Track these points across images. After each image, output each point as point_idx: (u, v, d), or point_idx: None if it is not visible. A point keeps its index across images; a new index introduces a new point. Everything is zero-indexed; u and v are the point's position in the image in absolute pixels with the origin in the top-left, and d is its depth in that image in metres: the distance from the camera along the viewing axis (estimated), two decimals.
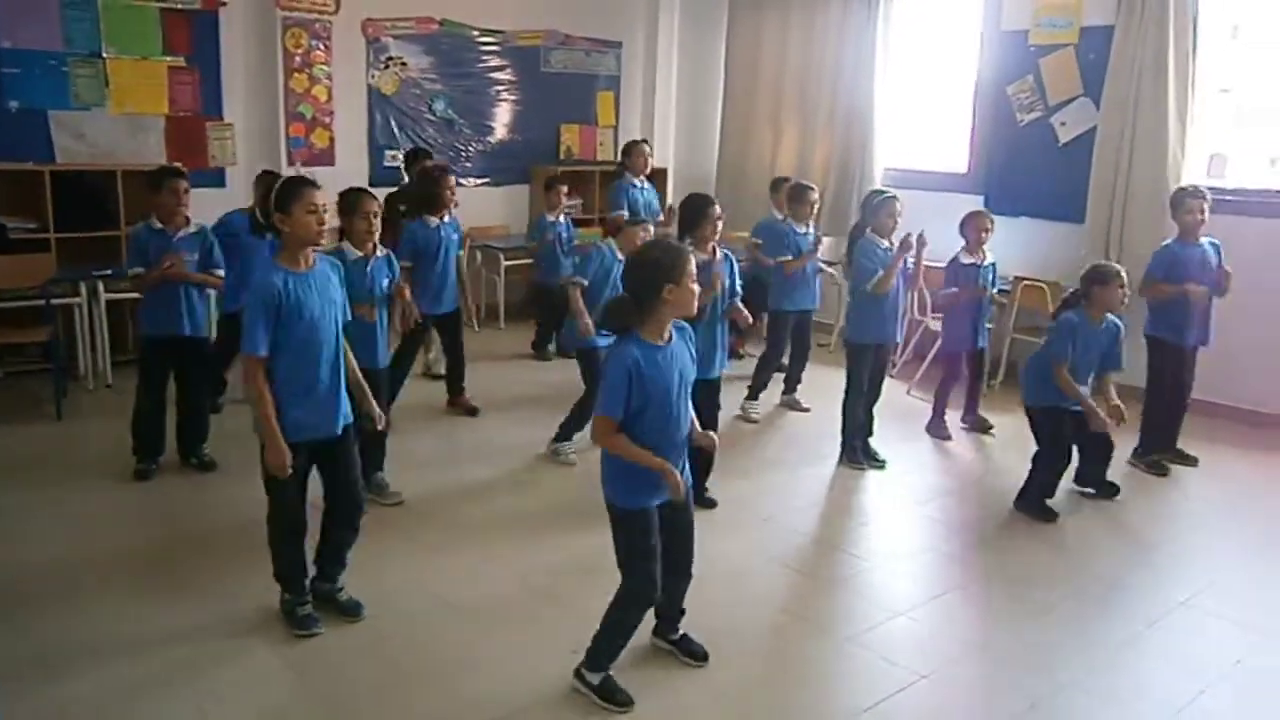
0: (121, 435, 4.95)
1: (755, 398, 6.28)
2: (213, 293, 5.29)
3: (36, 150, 6.62)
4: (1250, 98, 6.90)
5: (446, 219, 5.69)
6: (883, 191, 5.39)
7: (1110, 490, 5.09)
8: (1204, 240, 5.36)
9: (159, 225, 4.84)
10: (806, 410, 6.36)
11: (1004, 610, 3.96)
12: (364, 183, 7.83)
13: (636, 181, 7.41)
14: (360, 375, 3.62)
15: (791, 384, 6.51)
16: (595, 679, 3.16)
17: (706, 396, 4.35)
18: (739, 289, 4.74)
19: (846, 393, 5.37)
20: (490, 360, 7.18)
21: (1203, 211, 5.27)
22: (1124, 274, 4.76)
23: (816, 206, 6.40)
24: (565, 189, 7.51)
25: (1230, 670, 3.54)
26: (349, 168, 7.88)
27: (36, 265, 6.11)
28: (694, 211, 4.47)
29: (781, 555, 4.35)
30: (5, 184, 6.39)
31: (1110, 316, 4.78)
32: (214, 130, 7.37)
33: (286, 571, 3.55)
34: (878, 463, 5.45)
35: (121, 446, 4.94)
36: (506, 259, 8.19)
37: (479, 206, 8.53)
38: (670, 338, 3.02)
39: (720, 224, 4.48)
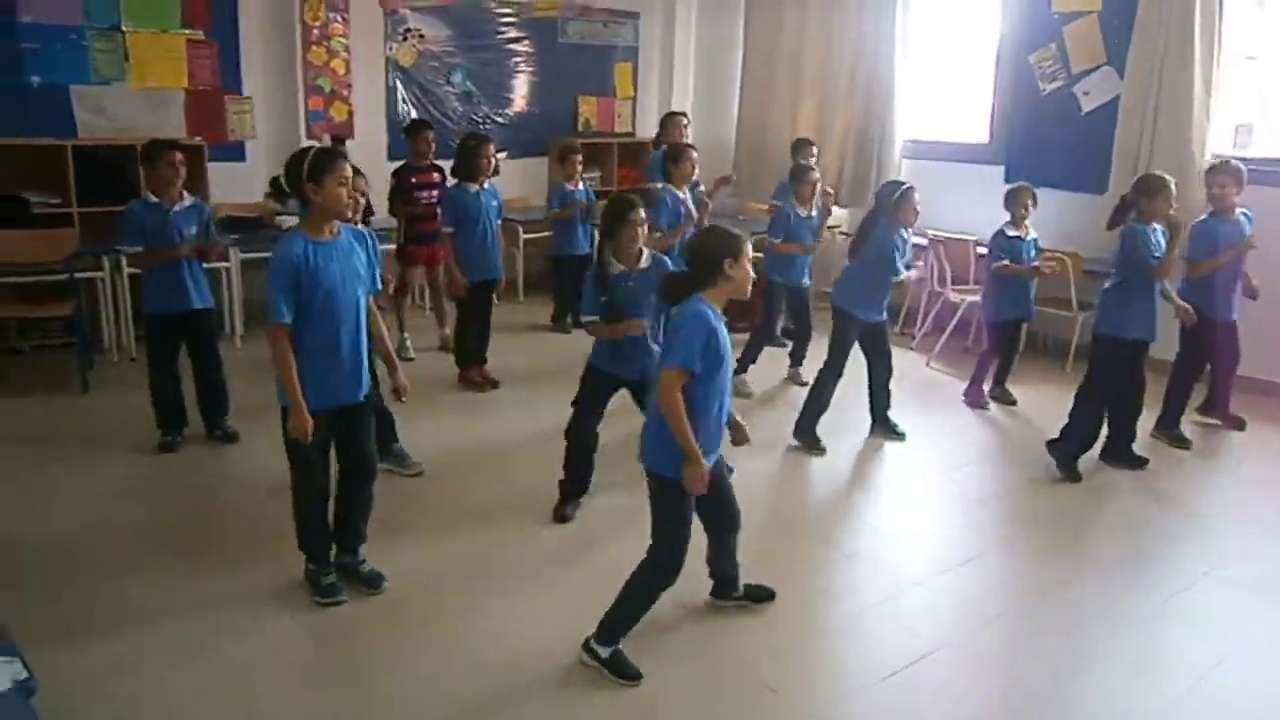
0: (146, 408, 5.00)
1: (744, 370, 6.17)
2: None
3: (58, 125, 6.65)
4: (1277, 66, 6.78)
5: (486, 185, 5.82)
6: (900, 183, 5.25)
7: (1139, 462, 5.07)
8: (1239, 212, 5.33)
9: (155, 199, 4.83)
10: (806, 384, 6.27)
11: (1025, 580, 3.97)
12: (383, 155, 7.97)
13: None
14: (389, 346, 3.65)
15: (797, 359, 6.46)
16: (605, 652, 3.18)
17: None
18: None
19: (824, 367, 5.26)
20: (511, 331, 7.20)
21: (1226, 185, 5.23)
22: (1172, 184, 4.78)
23: (819, 186, 6.18)
24: (580, 157, 7.45)
25: (1250, 640, 3.55)
26: (368, 140, 7.90)
27: (60, 239, 6.15)
28: (614, 218, 4.01)
29: (800, 526, 4.36)
30: (28, 159, 6.43)
31: (1157, 225, 4.83)
32: (233, 104, 7.38)
33: (310, 541, 3.59)
34: (898, 434, 5.44)
35: (146, 419, 4.99)
36: (525, 231, 8.18)
37: (497, 178, 8.51)
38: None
39: (641, 232, 4.03)
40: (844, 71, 8.30)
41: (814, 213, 6.17)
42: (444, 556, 3.96)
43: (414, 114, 8.13)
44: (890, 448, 5.37)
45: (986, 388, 6.08)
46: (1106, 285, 5.00)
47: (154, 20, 6.98)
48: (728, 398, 3.14)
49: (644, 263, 4.02)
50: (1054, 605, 3.76)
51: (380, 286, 3.54)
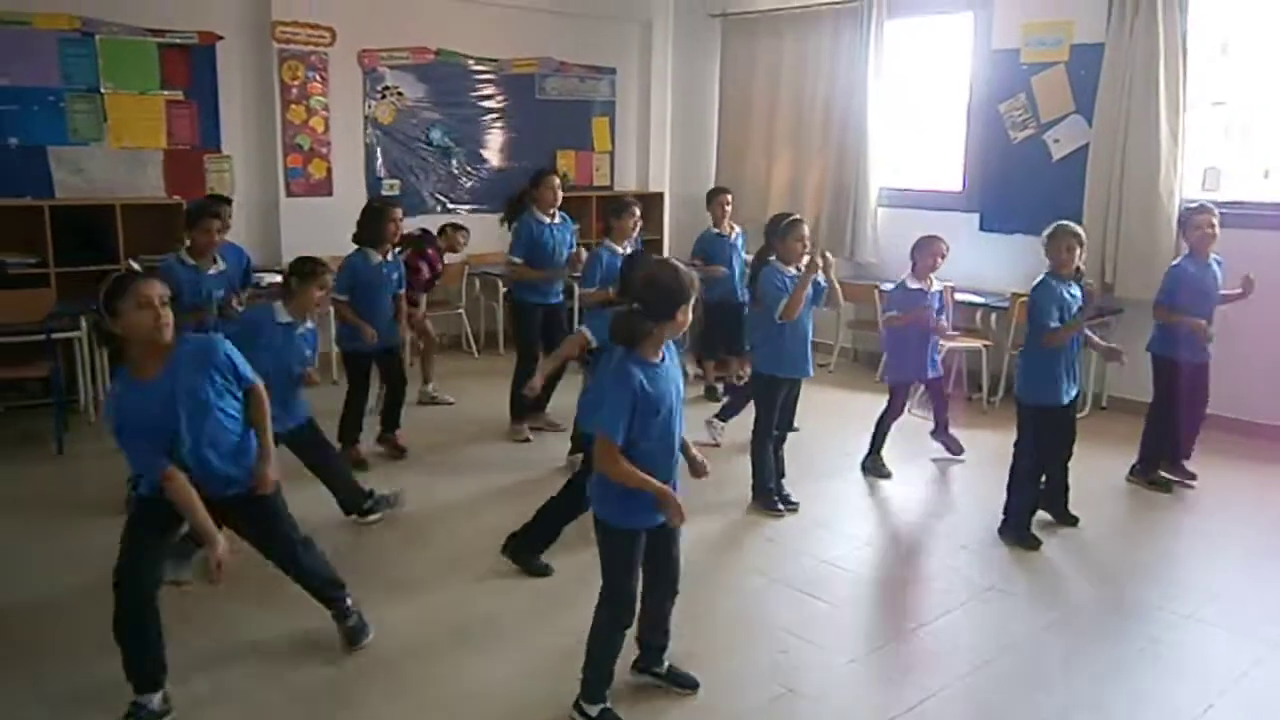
0: (121, 469, 4.91)
1: (724, 419, 6.07)
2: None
3: (36, 186, 6.66)
4: (1243, 111, 6.93)
5: (389, 257, 5.68)
6: (788, 215, 5.09)
7: (1070, 520, 4.93)
8: (1212, 258, 5.35)
9: (190, 261, 4.94)
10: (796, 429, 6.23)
11: (1009, 628, 3.95)
12: None
13: (544, 216, 6.13)
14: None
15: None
16: (594, 710, 3.13)
17: None
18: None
19: (755, 432, 5.05)
20: (494, 379, 7.17)
21: (1211, 226, 5.25)
22: (1075, 232, 4.61)
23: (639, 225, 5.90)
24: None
25: (1237, 683, 3.53)
26: (347, 197, 7.92)
27: (37, 300, 6.13)
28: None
29: (784, 576, 4.33)
30: (5, 220, 6.42)
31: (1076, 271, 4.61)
32: (212, 162, 7.42)
33: (154, 668, 3.20)
34: (791, 505, 5.07)
35: (120, 480, 4.90)
36: (504, 285, 8.19)
37: (476, 233, 8.52)
38: (663, 356, 3.00)
39: None
40: (818, 121, 8.42)
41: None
42: (419, 614, 3.91)
43: (390, 171, 8.22)
44: (873, 495, 5.37)
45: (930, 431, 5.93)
46: (1021, 350, 4.89)
47: (133, 82, 7.03)
48: (679, 427, 3.05)
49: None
50: (1038, 654, 3.74)
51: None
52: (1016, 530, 4.71)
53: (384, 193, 8.20)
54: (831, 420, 6.49)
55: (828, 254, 4.88)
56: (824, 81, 8.36)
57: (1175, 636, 3.87)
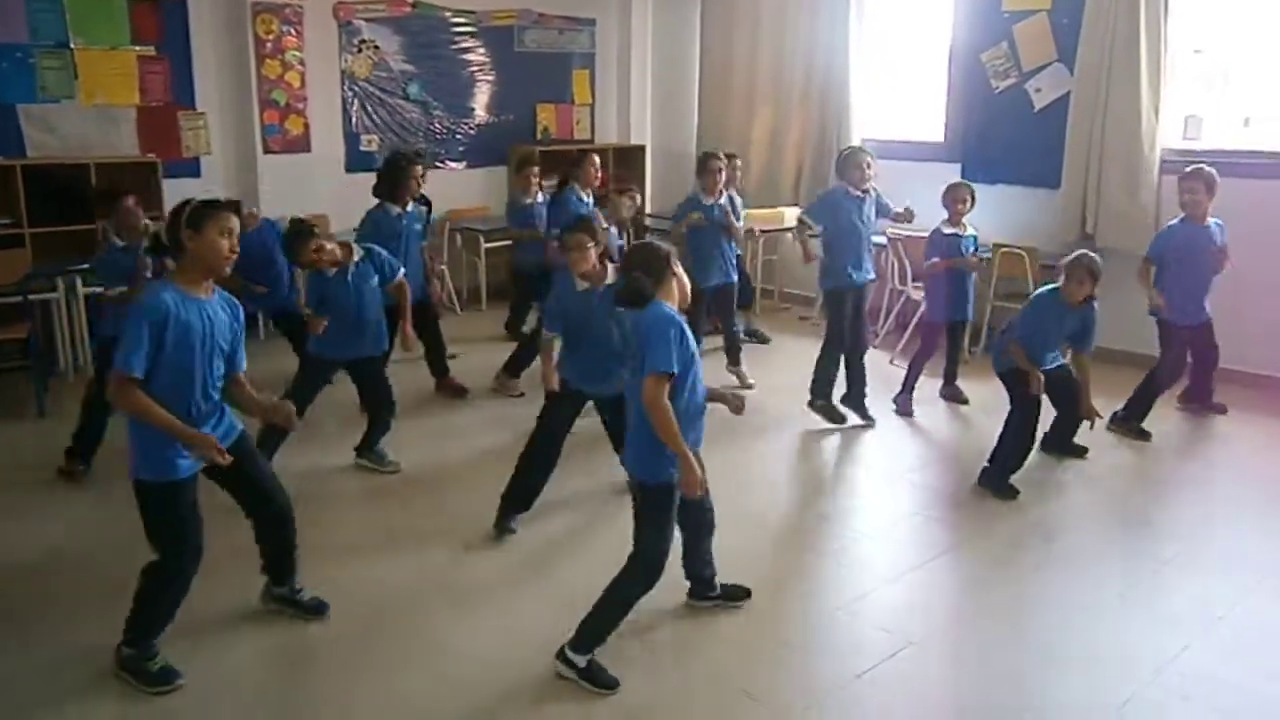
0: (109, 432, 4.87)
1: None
2: None
3: (7, 145, 6.55)
4: (1223, 58, 6.92)
5: (409, 208, 5.76)
6: (850, 146, 5.47)
7: (1078, 450, 5.15)
8: (1211, 221, 5.40)
9: (120, 243, 4.77)
10: (750, 387, 6.25)
11: (990, 576, 4.01)
12: (340, 168, 7.93)
13: (583, 194, 6.63)
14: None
15: (733, 356, 6.42)
16: (581, 661, 3.18)
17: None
18: None
19: (824, 342, 5.51)
20: (474, 342, 7.15)
21: (1197, 192, 5.29)
22: (1095, 269, 4.62)
23: (724, 176, 6.19)
24: (537, 169, 7.39)
25: (1212, 625, 3.60)
26: (325, 153, 7.85)
27: (12, 261, 6.06)
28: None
29: (766, 527, 4.38)
30: None
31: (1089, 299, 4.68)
32: (186, 120, 7.30)
33: (148, 628, 3.25)
34: (868, 420, 5.60)
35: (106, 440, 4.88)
36: (486, 241, 8.15)
37: (457, 188, 8.51)
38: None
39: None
40: (799, 74, 8.35)
41: (716, 202, 6.18)
42: (396, 576, 3.92)
43: (369, 126, 8.13)
44: (851, 446, 5.42)
45: (931, 389, 6.06)
46: (1003, 328, 5.03)
47: (103, 36, 6.89)
48: (701, 386, 3.17)
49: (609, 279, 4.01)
50: (1018, 600, 3.81)
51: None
52: (998, 479, 4.76)
53: (361, 149, 8.12)
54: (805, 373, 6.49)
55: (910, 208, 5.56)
56: (805, 33, 8.27)
57: (1155, 581, 3.94)
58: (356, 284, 4.63)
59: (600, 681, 3.16)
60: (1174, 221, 5.52)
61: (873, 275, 5.63)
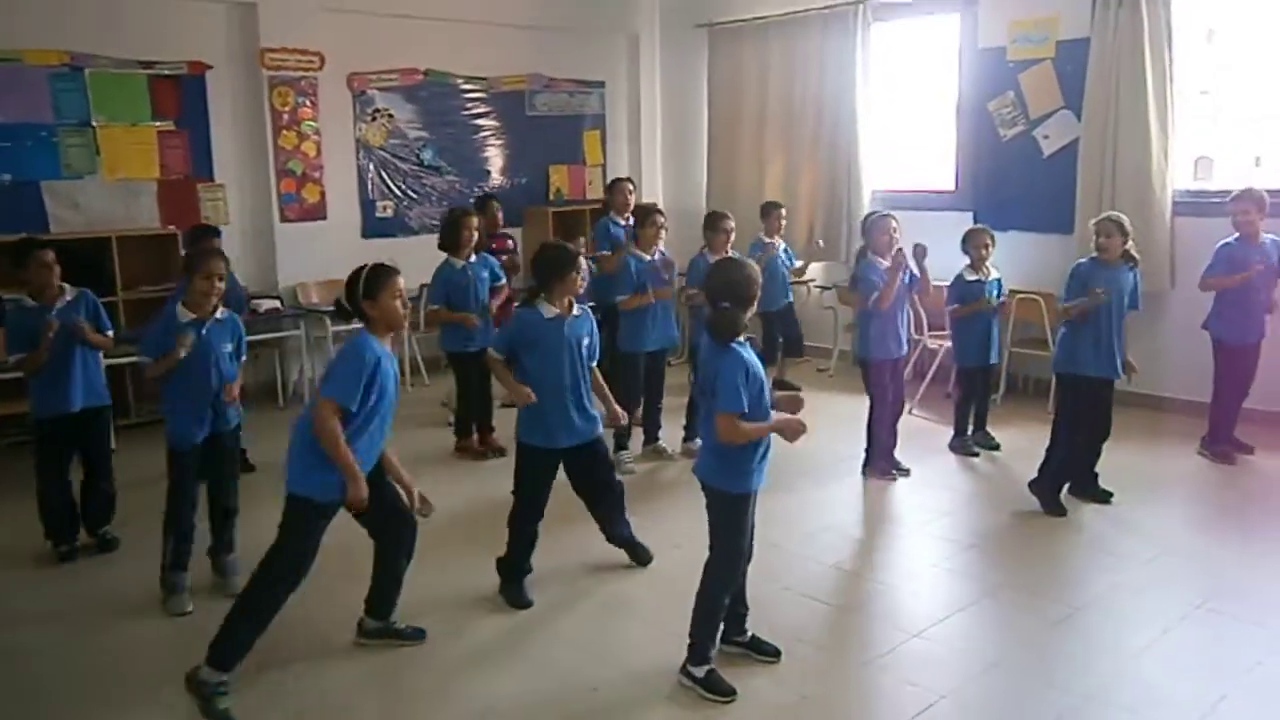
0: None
1: (626, 447, 5.87)
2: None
3: (31, 221, 6.63)
4: (1230, 99, 6.96)
5: (472, 259, 5.95)
6: (874, 211, 5.45)
7: (1103, 496, 5.10)
8: (1266, 238, 5.55)
9: (31, 303, 4.51)
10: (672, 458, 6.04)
11: (1019, 624, 3.94)
12: (357, 233, 8.03)
13: (620, 220, 7.04)
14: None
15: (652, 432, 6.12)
16: (700, 672, 3.37)
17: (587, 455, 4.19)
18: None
19: (871, 409, 5.54)
20: None
21: (1249, 211, 5.46)
22: (1121, 222, 4.91)
23: (664, 231, 5.89)
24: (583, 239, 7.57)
25: (1250, 673, 3.52)
26: (341, 220, 7.96)
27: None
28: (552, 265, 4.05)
29: (792, 582, 4.32)
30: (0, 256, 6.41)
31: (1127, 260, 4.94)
32: (206, 191, 7.43)
33: (236, 651, 3.39)
34: (903, 471, 5.62)
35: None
36: None
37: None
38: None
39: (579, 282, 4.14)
40: (809, 127, 8.44)
41: (653, 258, 5.95)
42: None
43: (384, 192, 8.27)
44: (874, 497, 5.37)
45: (949, 439, 6.12)
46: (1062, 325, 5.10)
47: (125, 114, 7.05)
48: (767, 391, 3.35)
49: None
50: (1050, 648, 3.73)
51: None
52: (1048, 493, 4.94)
53: (377, 215, 8.23)
54: (826, 425, 6.47)
55: (921, 245, 5.41)
56: (812, 87, 8.38)
57: (1187, 628, 3.86)
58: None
59: (719, 690, 3.35)
60: (1229, 240, 5.58)
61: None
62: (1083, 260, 5.02)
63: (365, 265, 3.46)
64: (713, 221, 6.19)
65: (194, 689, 3.32)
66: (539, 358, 4.01)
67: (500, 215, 7.43)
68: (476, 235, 5.97)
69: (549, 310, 4.00)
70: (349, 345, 3.40)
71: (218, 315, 4.15)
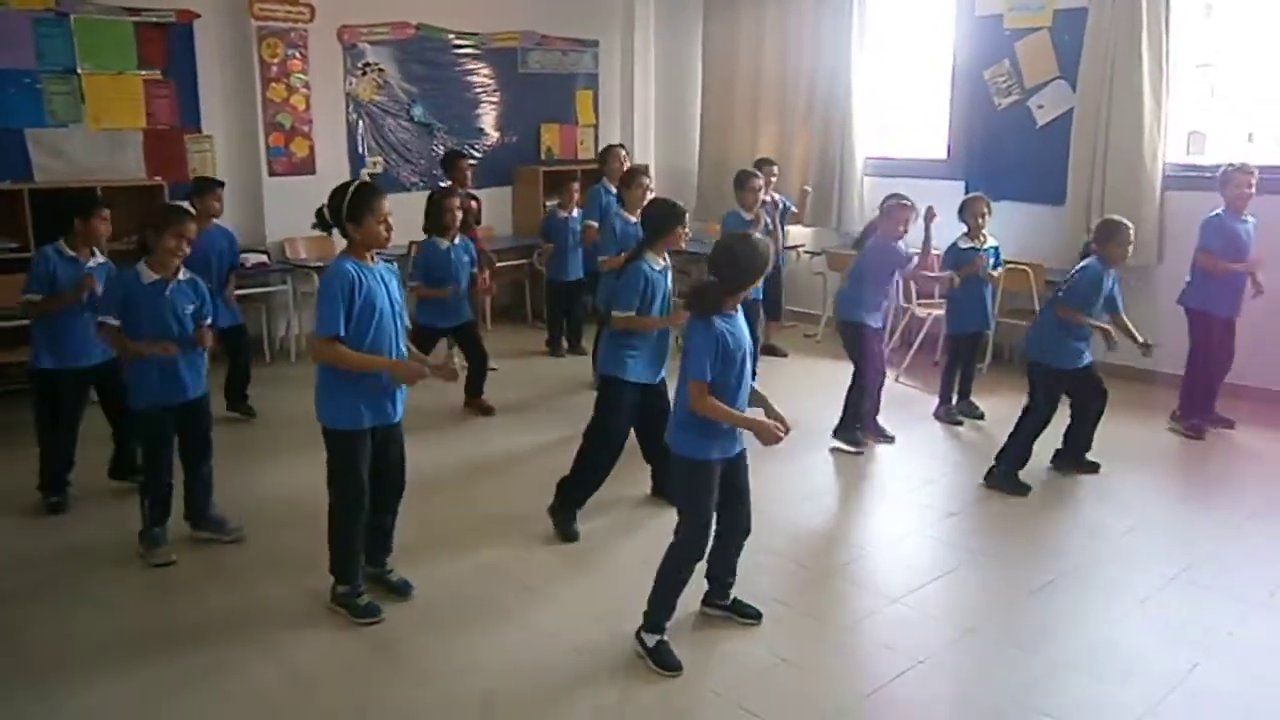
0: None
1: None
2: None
3: (14, 169, 6.58)
4: (1227, 74, 6.94)
5: (456, 240, 5.99)
6: (892, 195, 5.45)
7: (1091, 467, 5.16)
8: (1247, 215, 5.56)
9: (70, 253, 4.57)
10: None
11: (997, 592, 3.98)
12: None
13: (612, 187, 7.02)
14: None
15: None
16: (651, 641, 3.39)
17: (656, 397, 4.40)
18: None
19: (857, 376, 5.52)
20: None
21: (1249, 186, 5.47)
22: (1130, 230, 4.89)
23: (649, 193, 5.66)
24: (577, 185, 7.66)
25: (1223, 642, 3.58)
26: (330, 175, 7.83)
27: (18, 284, 6.05)
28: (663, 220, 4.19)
29: (774, 546, 4.34)
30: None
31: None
32: (193, 143, 7.35)
33: (346, 563, 3.68)
34: (888, 438, 5.67)
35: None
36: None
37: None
38: (736, 309, 3.35)
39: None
40: (802, 92, 8.38)
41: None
42: (461, 569, 4.08)
43: (374, 147, 8.20)
44: (858, 464, 5.40)
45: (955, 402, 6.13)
46: (1042, 306, 5.11)
47: (110, 62, 6.94)
48: (749, 367, 3.35)
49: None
50: (1027, 616, 3.78)
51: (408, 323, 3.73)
52: (1009, 478, 4.93)
53: (367, 171, 8.15)
54: (811, 391, 6.48)
55: (931, 209, 5.58)
56: (807, 52, 8.31)
57: (1162, 597, 3.91)
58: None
59: (665, 664, 3.35)
60: (1218, 212, 5.58)
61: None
62: (1094, 263, 4.96)
63: (351, 182, 3.49)
64: (742, 180, 6.24)
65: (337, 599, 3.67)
66: (650, 306, 4.27)
67: (469, 174, 7.35)
68: (460, 215, 5.99)
69: (656, 262, 4.25)
70: (322, 280, 3.49)
71: (180, 276, 4.12)
